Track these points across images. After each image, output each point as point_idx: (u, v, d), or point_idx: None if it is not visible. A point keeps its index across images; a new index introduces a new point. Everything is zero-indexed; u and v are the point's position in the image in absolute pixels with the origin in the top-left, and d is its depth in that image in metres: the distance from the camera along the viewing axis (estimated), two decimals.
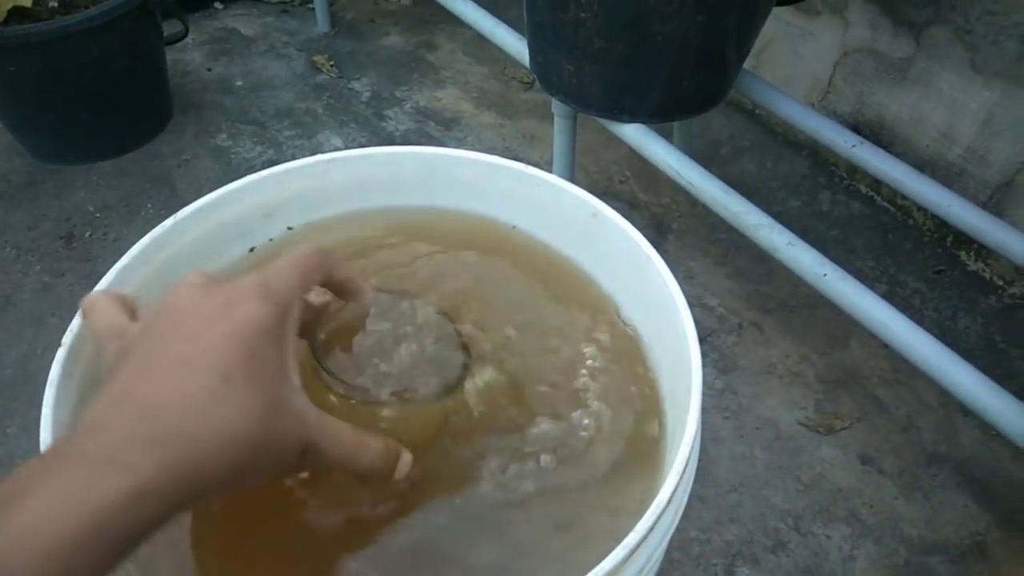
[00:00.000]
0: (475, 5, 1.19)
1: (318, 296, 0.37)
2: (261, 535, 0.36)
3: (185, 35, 1.40)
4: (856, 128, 1.22)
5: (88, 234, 1.21)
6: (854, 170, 1.27)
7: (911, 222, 1.22)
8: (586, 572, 0.28)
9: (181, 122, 1.41)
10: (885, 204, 1.25)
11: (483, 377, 0.40)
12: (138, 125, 1.37)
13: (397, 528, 0.36)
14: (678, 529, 0.90)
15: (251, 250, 0.50)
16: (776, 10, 0.94)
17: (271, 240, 0.50)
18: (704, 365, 1.12)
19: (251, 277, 0.31)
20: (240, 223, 0.48)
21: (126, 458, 0.24)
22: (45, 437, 0.34)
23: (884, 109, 1.19)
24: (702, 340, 1.07)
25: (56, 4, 1.25)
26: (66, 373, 0.37)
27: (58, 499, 0.22)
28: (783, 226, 0.88)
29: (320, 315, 0.37)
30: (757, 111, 1.39)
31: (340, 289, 0.36)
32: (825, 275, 0.81)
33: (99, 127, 1.32)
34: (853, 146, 0.94)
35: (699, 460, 1.01)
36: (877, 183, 1.24)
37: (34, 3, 1.22)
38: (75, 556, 0.22)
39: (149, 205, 1.26)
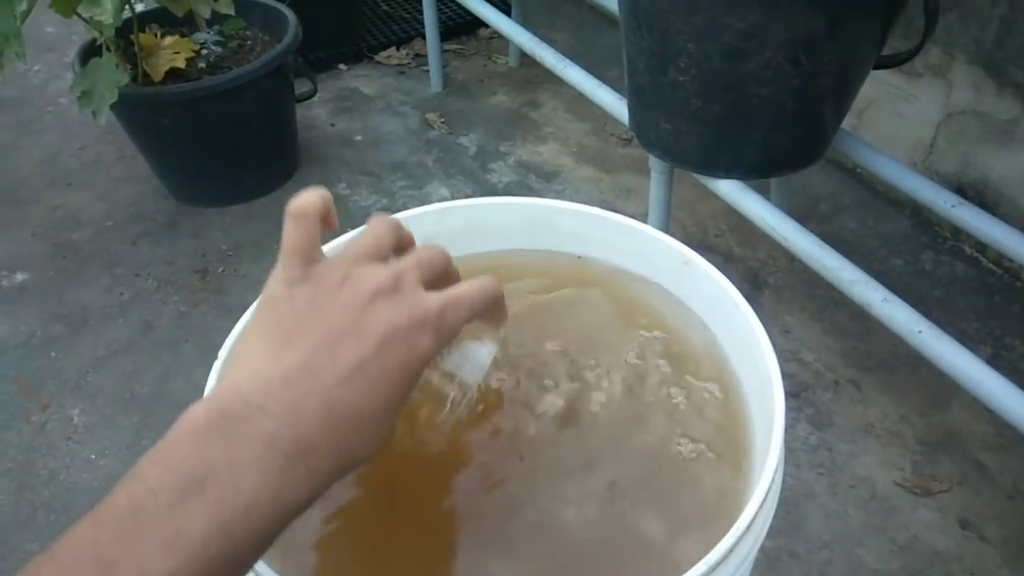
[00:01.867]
0: (578, 67, 1.26)
1: None
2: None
3: (314, 94, 1.53)
4: (960, 189, 1.21)
5: (221, 270, 1.33)
6: (958, 231, 1.25)
7: (1019, 284, 1.19)
8: None
9: (306, 172, 1.54)
10: (991, 266, 1.22)
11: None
12: (269, 173, 1.51)
13: None
14: None
15: None
16: (877, 72, 0.95)
17: None
18: (799, 420, 1.11)
19: (439, 298, 0.32)
20: None
21: (314, 465, 0.28)
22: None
23: (989, 170, 1.18)
24: (797, 395, 1.07)
25: (204, 65, 1.41)
26: None
27: (263, 488, 0.27)
28: (879, 283, 0.88)
29: None
30: (857, 169, 1.39)
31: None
32: (920, 332, 0.81)
33: (235, 174, 1.46)
34: (953, 206, 0.94)
35: (791, 515, 1.00)
36: (982, 244, 1.21)
37: (187, 64, 1.38)
38: (267, 538, 0.28)
39: (276, 245, 1.35)
